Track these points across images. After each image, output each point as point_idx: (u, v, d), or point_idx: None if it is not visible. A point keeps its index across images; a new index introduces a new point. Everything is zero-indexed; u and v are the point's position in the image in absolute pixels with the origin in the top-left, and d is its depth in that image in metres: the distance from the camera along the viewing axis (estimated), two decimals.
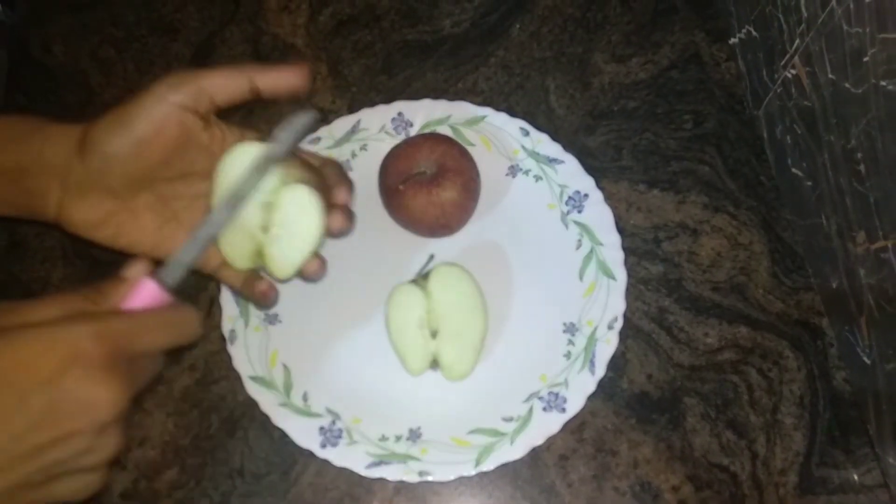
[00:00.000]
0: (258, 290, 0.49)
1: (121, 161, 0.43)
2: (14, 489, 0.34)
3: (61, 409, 0.33)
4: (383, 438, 0.57)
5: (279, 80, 0.45)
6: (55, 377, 0.33)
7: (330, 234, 0.47)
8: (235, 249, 0.47)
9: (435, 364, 0.58)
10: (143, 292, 0.38)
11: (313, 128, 0.46)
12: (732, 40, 0.70)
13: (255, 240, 0.46)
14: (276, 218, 0.46)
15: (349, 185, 0.49)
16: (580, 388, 0.58)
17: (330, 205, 0.47)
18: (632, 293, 0.61)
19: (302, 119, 0.45)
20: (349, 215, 0.48)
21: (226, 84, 0.44)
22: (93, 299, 0.38)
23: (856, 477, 0.57)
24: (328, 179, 0.48)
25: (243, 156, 0.44)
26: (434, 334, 0.57)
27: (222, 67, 0.44)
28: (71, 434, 0.34)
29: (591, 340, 0.59)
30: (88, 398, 0.34)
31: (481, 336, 0.58)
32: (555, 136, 0.65)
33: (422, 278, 0.58)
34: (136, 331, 0.37)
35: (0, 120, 0.44)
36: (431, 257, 0.61)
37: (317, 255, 0.47)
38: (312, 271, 0.47)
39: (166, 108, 0.42)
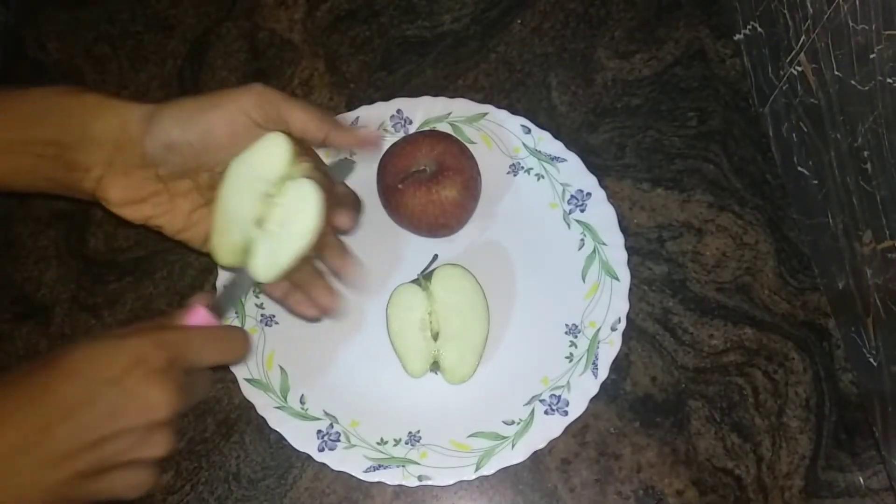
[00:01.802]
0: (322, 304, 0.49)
1: (183, 153, 0.44)
2: (76, 477, 0.37)
3: (123, 406, 0.37)
4: (382, 442, 0.57)
5: (351, 143, 0.47)
6: (121, 377, 0.37)
7: (337, 230, 0.47)
8: (224, 242, 0.46)
9: (435, 366, 0.57)
10: (196, 316, 0.43)
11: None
12: (737, 36, 0.69)
13: (246, 234, 0.46)
14: (275, 214, 0.45)
15: (354, 211, 0.48)
16: (582, 391, 0.57)
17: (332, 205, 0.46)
18: (635, 294, 0.60)
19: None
20: (353, 217, 0.48)
21: (304, 126, 0.45)
22: (159, 324, 0.43)
23: (862, 480, 0.56)
24: (337, 196, 0.48)
25: (270, 147, 0.45)
26: (435, 336, 0.57)
27: (310, 108, 0.45)
28: (129, 429, 0.37)
29: (594, 342, 0.58)
30: (147, 398, 0.38)
31: (483, 339, 0.57)
32: (557, 134, 0.64)
33: (424, 279, 0.57)
34: (191, 342, 0.41)
35: (39, 91, 0.44)
36: (435, 257, 0.61)
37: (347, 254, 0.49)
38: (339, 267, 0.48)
39: (245, 122, 0.44)
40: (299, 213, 0.45)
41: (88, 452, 0.37)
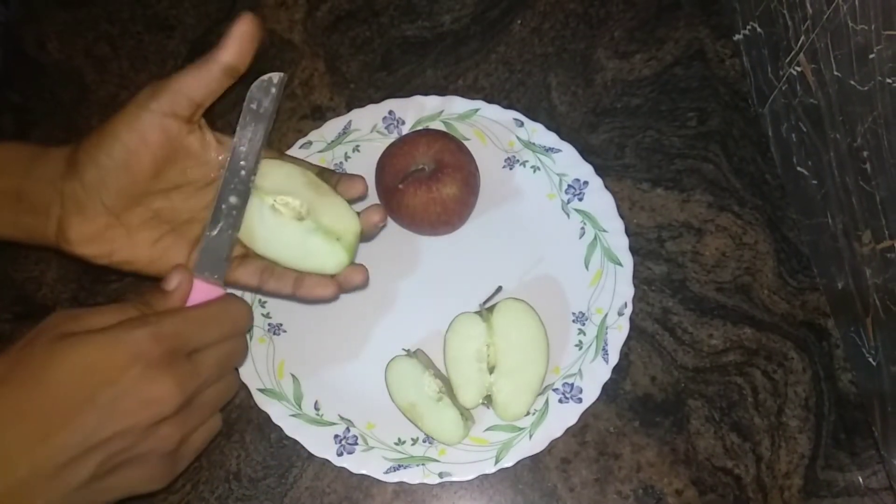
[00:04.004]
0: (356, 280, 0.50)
1: (112, 173, 0.44)
2: (87, 480, 0.37)
3: (124, 406, 0.37)
4: (399, 442, 0.57)
5: (236, 40, 0.44)
6: (118, 377, 0.37)
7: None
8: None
9: (488, 400, 0.56)
10: (198, 292, 0.42)
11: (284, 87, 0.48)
12: (737, 37, 0.69)
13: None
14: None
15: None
16: (595, 377, 0.57)
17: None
18: (635, 293, 0.60)
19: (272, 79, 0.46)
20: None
21: (198, 79, 0.44)
22: (142, 308, 0.41)
23: (861, 480, 0.56)
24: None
25: (271, 172, 0.47)
26: (491, 369, 0.56)
27: (189, 66, 0.44)
28: (130, 428, 0.37)
29: (602, 328, 0.59)
30: (148, 395, 0.38)
31: (540, 378, 0.56)
32: (557, 134, 0.64)
33: (486, 310, 0.57)
34: (189, 327, 0.40)
35: (2, 145, 0.46)
36: (499, 289, 0.60)
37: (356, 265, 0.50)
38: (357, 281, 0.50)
39: (148, 116, 0.43)
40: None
41: (92, 455, 0.37)
